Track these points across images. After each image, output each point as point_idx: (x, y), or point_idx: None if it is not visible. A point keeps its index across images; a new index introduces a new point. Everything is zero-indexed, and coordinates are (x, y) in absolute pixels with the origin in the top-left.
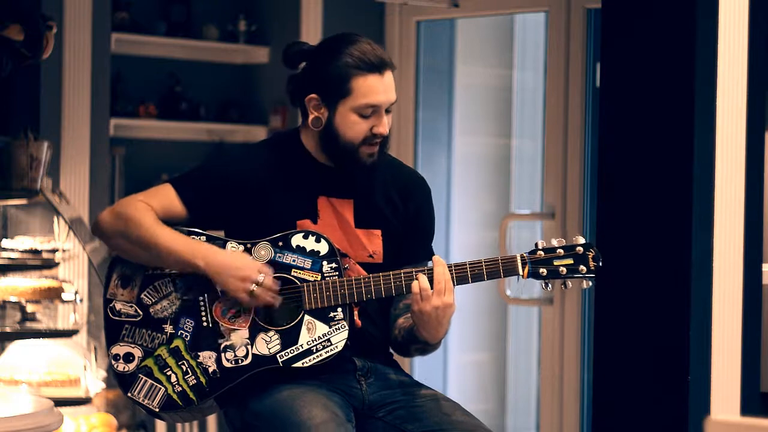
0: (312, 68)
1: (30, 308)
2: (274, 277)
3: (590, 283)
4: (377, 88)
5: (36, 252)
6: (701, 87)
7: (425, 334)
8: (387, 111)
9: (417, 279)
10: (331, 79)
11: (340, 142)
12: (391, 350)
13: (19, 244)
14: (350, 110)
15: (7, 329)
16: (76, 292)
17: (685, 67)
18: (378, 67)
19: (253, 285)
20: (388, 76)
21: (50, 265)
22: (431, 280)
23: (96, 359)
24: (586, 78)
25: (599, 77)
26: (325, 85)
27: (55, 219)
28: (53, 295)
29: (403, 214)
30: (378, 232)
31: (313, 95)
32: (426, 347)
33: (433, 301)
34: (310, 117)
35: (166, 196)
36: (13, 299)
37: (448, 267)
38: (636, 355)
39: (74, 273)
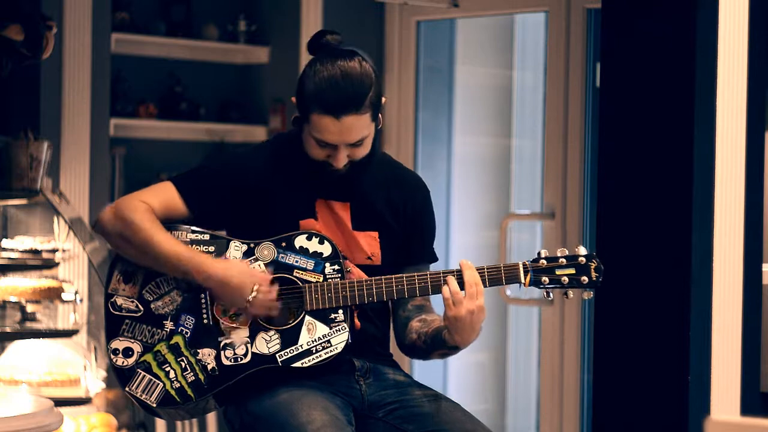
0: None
1: (30, 308)
2: (275, 278)
3: (591, 294)
4: (330, 129)
5: (36, 252)
6: (701, 87)
7: (458, 338)
8: (357, 144)
9: (447, 283)
10: (301, 98)
11: (307, 151)
12: (402, 352)
13: (19, 244)
14: (309, 134)
15: (7, 329)
16: (76, 292)
17: (685, 67)
18: (334, 110)
19: (249, 297)
20: (349, 120)
21: (50, 265)
22: (460, 284)
23: (96, 359)
24: (586, 78)
25: (599, 77)
26: (298, 98)
27: (55, 219)
28: (53, 295)
29: (403, 216)
30: (375, 234)
31: (294, 98)
32: (451, 352)
33: (467, 305)
34: (294, 114)
35: (166, 195)
36: (13, 299)
37: (449, 273)
38: (636, 355)
39: (74, 273)
